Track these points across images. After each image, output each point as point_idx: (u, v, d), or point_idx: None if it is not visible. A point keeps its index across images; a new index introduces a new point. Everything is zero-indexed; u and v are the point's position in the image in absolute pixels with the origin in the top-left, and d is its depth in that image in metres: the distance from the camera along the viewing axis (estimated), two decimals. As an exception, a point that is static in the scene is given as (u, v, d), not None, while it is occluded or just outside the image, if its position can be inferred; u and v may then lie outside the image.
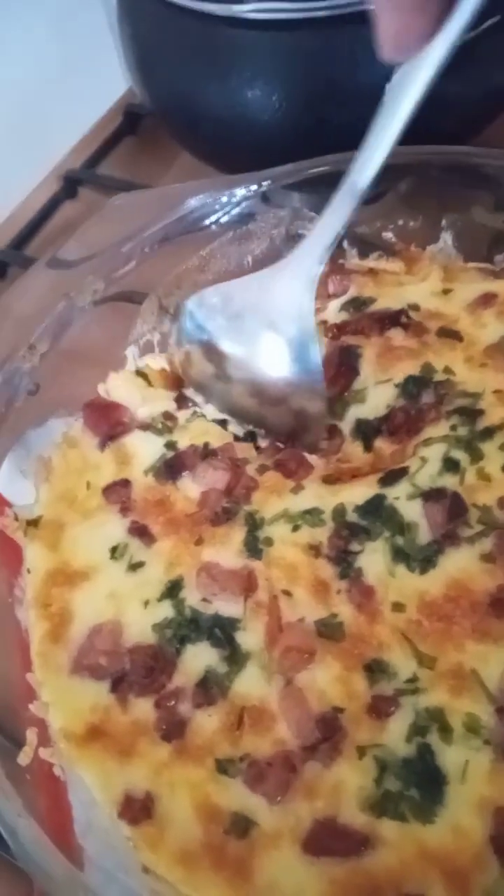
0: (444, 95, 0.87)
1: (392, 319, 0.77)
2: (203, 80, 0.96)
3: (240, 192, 0.80)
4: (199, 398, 0.80)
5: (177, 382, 0.82)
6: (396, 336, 0.77)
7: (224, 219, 0.81)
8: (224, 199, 0.80)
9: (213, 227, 0.81)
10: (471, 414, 0.71)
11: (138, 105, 1.26)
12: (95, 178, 1.23)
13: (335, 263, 0.84)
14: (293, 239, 0.86)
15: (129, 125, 1.29)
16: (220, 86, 0.95)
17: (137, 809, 0.60)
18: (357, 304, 0.81)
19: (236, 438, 0.77)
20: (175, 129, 1.07)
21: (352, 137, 0.89)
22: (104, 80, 1.34)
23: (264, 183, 0.82)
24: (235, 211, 0.82)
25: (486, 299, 0.78)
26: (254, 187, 0.81)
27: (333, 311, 0.82)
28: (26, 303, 0.84)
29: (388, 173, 0.83)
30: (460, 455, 0.69)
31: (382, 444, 0.74)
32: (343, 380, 0.77)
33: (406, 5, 0.56)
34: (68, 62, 1.25)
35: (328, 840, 0.57)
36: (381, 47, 0.59)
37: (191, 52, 0.95)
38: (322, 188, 0.85)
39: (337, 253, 0.86)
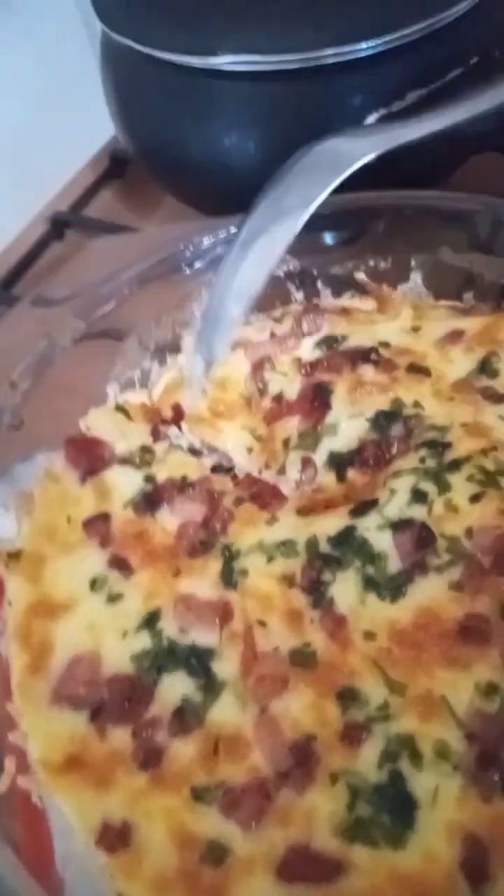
0: (413, 143, 0.93)
1: (363, 356, 0.80)
2: (183, 128, 1.00)
3: (217, 235, 0.83)
4: (174, 431, 0.83)
5: (155, 415, 0.85)
6: (367, 372, 0.80)
7: (200, 263, 0.84)
8: (201, 243, 0.83)
9: (195, 267, 0.84)
10: (439, 447, 0.74)
11: (124, 150, 1.30)
12: (82, 220, 1.26)
13: (310, 303, 0.87)
14: (269, 281, 0.89)
15: (115, 169, 1.33)
16: (199, 133, 0.99)
17: (114, 837, 0.61)
18: (330, 342, 0.84)
19: (213, 470, 0.79)
20: (157, 174, 1.11)
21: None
22: (92, 125, 1.37)
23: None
24: (213, 254, 0.84)
25: (454, 336, 0.81)
26: (230, 231, 0.84)
27: (308, 350, 0.84)
28: (9, 341, 0.86)
29: (364, 216, 0.87)
30: (428, 487, 0.71)
31: (355, 476, 0.76)
32: (317, 414, 0.79)
33: None
34: (56, 107, 1.28)
35: (301, 866, 0.58)
36: None
37: (170, 102, 0.99)
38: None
39: (311, 292, 0.90)
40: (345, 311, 0.85)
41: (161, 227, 0.92)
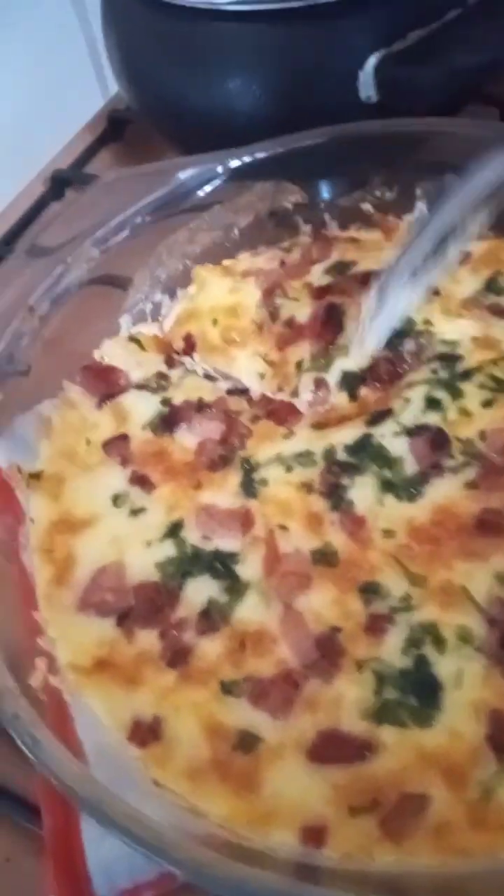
0: (414, 83, 0.95)
1: (374, 278, 0.82)
2: (186, 74, 1.01)
3: (228, 164, 0.85)
4: (187, 359, 0.84)
5: (167, 346, 0.86)
6: (377, 292, 0.81)
7: (212, 191, 0.86)
8: (212, 172, 0.85)
9: (203, 198, 0.85)
10: (450, 359, 0.76)
11: (122, 111, 1.32)
12: (82, 177, 1.27)
13: (318, 233, 0.89)
14: (276, 213, 0.91)
15: (114, 131, 1.34)
16: (202, 78, 1.00)
17: (145, 732, 0.62)
18: (340, 267, 0.85)
19: (228, 392, 0.81)
20: (161, 125, 1.12)
21: (327, 122, 0.95)
22: (89, 87, 1.40)
23: (248, 157, 0.86)
24: (222, 184, 0.86)
25: (461, 258, 0.83)
26: (239, 161, 0.85)
27: (317, 275, 0.86)
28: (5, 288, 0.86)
29: (364, 148, 0.89)
30: (441, 394, 0.74)
31: (367, 393, 0.78)
32: (329, 335, 0.81)
33: None
34: (53, 71, 1.29)
35: (331, 748, 0.60)
36: None
37: (174, 48, 1.01)
38: (300, 163, 0.91)
39: (318, 224, 0.91)
40: (353, 241, 0.87)
41: (167, 160, 0.93)
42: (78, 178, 1.28)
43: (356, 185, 0.89)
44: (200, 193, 0.85)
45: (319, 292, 0.84)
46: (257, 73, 0.97)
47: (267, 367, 0.83)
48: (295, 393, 0.81)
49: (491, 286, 0.81)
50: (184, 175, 0.83)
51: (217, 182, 0.85)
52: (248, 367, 0.84)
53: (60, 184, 1.28)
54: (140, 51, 1.07)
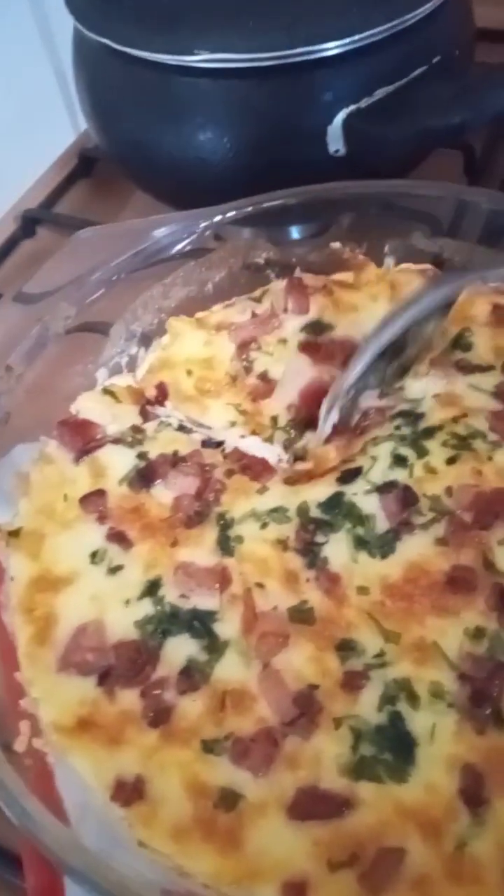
0: (381, 137, 0.98)
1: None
2: (157, 125, 1.03)
3: (200, 224, 0.87)
4: (161, 410, 0.86)
5: (141, 396, 0.88)
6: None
7: (186, 249, 0.88)
8: (185, 231, 0.87)
9: (177, 255, 0.87)
10: (412, 416, 0.79)
11: (92, 149, 1.33)
12: (53, 217, 1.29)
13: (293, 280, 0.91)
14: (249, 267, 0.93)
15: (83, 167, 1.36)
16: (173, 130, 1.02)
17: (129, 792, 0.64)
18: (318, 328, 0.88)
19: (203, 444, 0.83)
20: (132, 171, 1.14)
21: (296, 176, 0.98)
22: (57, 124, 1.41)
23: (219, 217, 0.89)
24: (196, 242, 0.88)
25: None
26: (213, 220, 0.88)
27: (293, 331, 0.88)
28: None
29: (333, 205, 0.92)
30: (407, 451, 0.77)
31: (329, 449, 0.81)
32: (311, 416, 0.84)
33: None
34: (21, 109, 1.31)
35: (311, 805, 0.62)
36: None
37: (145, 100, 1.02)
38: (273, 220, 0.94)
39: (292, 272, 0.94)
40: (327, 292, 0.89)
41: (141, 219, 0.95)
42: (48, 217, 1.29)
43: (326, 241, 0.92)
44: (174, 251, 0.87)
45: (306, 349, 0.85)
46: (228, 126, 1.00)
47: (238, 416, 0.85)
48: (270, 439, 0.83)
49: (458, 342, 0.84)
50: (158, 233, 0.85)
51: (191, 240, 0.87)
52: (221, 416, 0.86)
53: (30, 223, 1.29)
54: (111, 99, 1.08)
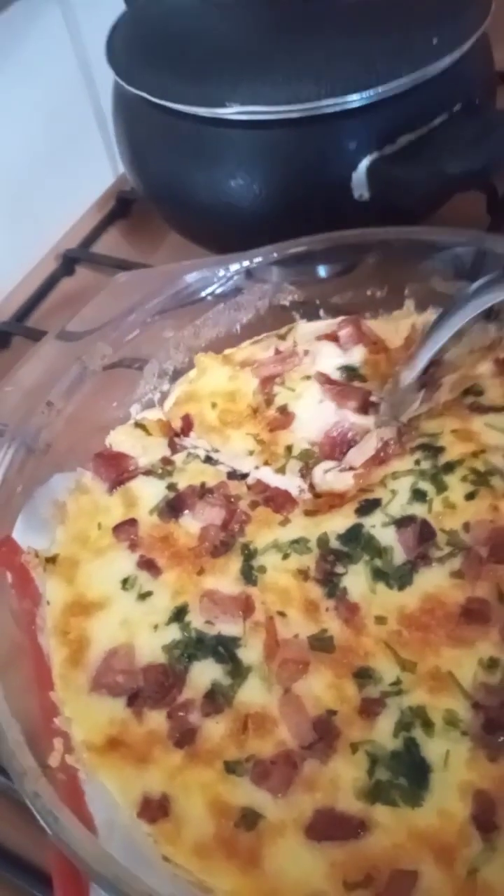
0: (404, 183, 1.02)
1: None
2: (191, 173, 1.08)
3: (231, 268, 0.92)
4: (188, 441, 0.91)
5: (169, 428, 0.93)
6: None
7: (216, 292, 0.93)
8: (216, 275, 0.92)
9: (207, 299, 0.92)
10: (432, 450, 0.82)
11: (129, 191, 1.40)
12: (91, 256, 1.35)
13: (354, 318, 0.95)
14: (276, 308, 0.97)
15: (121, 209, 1.42)
16: (206, 177, 1.07)
17: (155, 809, 0.67)
18: (351, 374, 0.92)
19: (229, 476, 0.87)
20: (166, 214, 1.20)
21: (322, 219, 1.02)
22: (98, 167, 1.48)
23: (247, 262, 0.93)
24: (225, 286, 0.93)
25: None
26: (241, 265, 0.93)
27: (330, 366, 0.92)
28: (37, 372, 0.93)
29: (357, 250, 0.96)
30: (427, 486, 0.79)
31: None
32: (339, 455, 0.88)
33: None
34: (63, 152, 1.38)
35: (328, 826, 0.64)
36: None
37: (179, 148, 1.08)
38: (298, 264, 0.98)
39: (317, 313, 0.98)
40: (376, 347, 0.93)
41: (174, 263, 1.00)
42: (87, 257, 1.35)
43: (351, 282, 0.96)
44: (205, 294, 0.92)
45: (328, 385, 0.89)
46: (257, 173, 1.05)
47: (256, 445, 0.89)
48: (282, 470, 0.87)
49: (470, 390, 0.87)
50: (190, 278, 0.90)
51: (220, 284, 0.92)
52: (241, 445, 0.90)
53: (70, 262, 1.35)
54: (147, 147, 1.14)
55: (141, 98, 1.06)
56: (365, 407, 0.88)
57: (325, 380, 0.91)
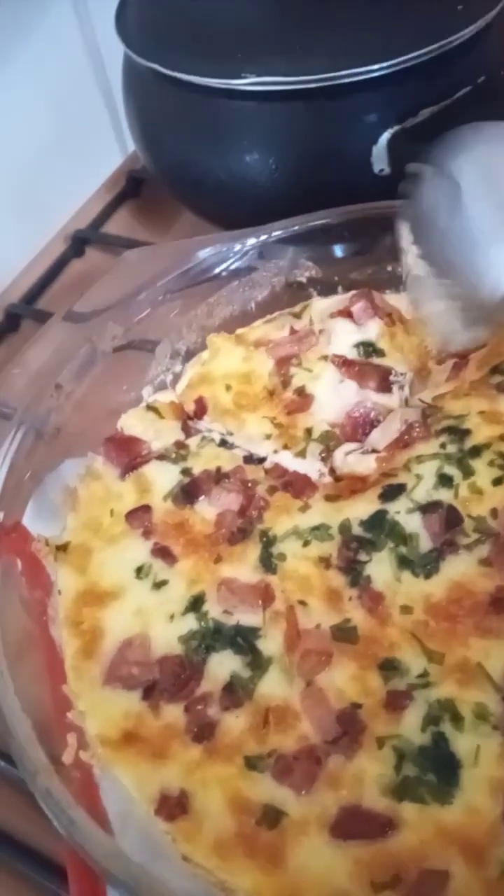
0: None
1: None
2: (205, 148, 1.05)
3: (247, 242, 0.89)
4: (202, 424, 0.88)
5: (182, 411, 0.90)
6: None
7: (230, 268, 0.90)
8: (231, 250, 0.88)
9: (222, 275, 0.89)
10: (458, 433, 0.79)
11: (139, 170, 1.36)
12: (101, 237, 1.32)
13: (366, 291, 0.91)
14: (292, 286, 0.94)
15: (131, 188, 1.39)
16: (220, 152, 1.04)
17: (173, 806, 0.64)
18: (368, 350, 0.88)
19: (245, 461, 0.84)
20: (179, 192, 1.17)
21: (341, 195, 0.99)
22: (107, 146, 1.45)
23: (264, 237, 0.90)
24: (240, 262, 0.90)
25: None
26: (255, 240, 0.89)
27: (347, 344, 0.89)
28: (47, 352, 0.91)
29: (377, 225, 0.92)
30: (453, 471, 0.76)
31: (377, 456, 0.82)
32: (361, 437, 0.85)
33: None
34: (72, 132, 1.34)
35: (354, 824, 0.62)
36: None
37: (192, 122, 1.05)
38: (317, 240, 0.95)
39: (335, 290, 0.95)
40: (391, 319, 0.90)
41: (186, 239, 0.97)
42: (97, 237, 1.32)
43: (368, 261, 0.92)
44: (218, 270, 0.88)
45: (343, 366, 0.86)
46: (273, 148, 1.01)
47: (273, 429, 0.86)
48: (302, 454, 0.84)
49: (497, 369, 0.84)
50: (203, 254, 0.87)
51: (234, 259, 0.89)
52: (257, 429, 0.87)
53: (80, 243, 1.32)
54: (159, 122, 1.11)
55: (153, 71, 1.03)
56: (385, 385, 0.85)
57: (341, 362, 0.88)
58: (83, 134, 1.38)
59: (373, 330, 0.89)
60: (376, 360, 0.87)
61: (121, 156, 1.47)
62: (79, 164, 1.38)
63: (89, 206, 1.39)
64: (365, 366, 0.86)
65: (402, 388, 0.86)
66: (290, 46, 0.95)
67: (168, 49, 1.02)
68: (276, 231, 0.91)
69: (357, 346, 0.88)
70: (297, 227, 0.90)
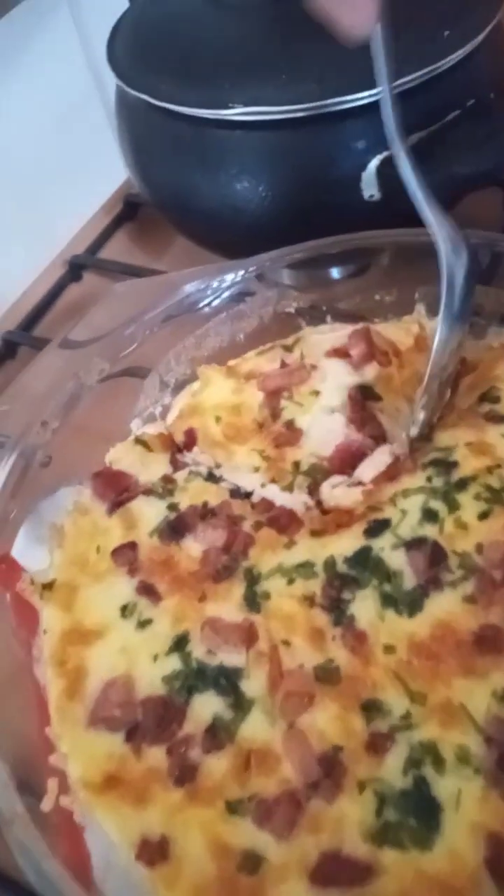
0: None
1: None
2: (195, 175, 1.05)
3: (231, 276, 0.89)
4: (190, 456, 0.88)
5: (171, 443, 0.89)
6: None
7: (216, 302, 0.90)
8: (216, 284, 0.88)
9: (207, 309, 0.89)
10: (445, 465, 0.78)
11: (136, 194, 1.36)
12: (98, 262, 1.32)
13: (364, 330, 0.89)
14: (280, 316, 0.94)
15: (128, 212, 1.39)
16: (210, 180, 1.04)
17: (154, 851, 0.64)
18: (367, 394, 0.86)
19: (231, 495, 0.84)
20: (171, 218, 1.17)
21: (332, 221, 0.99)
22: (104, 170, 1.45)
23: (252, 268, 0.90)
24: (227, 294, 0.90)
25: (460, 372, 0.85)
26: (243, 272, 0.89)
27: (342, 385, 0.87)
28: (40, 382, 0.91)
29: (364, 254, 0.92)
30: (438, 506, 0.75)
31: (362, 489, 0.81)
32: (348, 470, 0.84)
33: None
34: (69, 155, 1.35)
35: (334, 871, 0.61)
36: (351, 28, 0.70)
37: (183, 151, 1.05)
38: (303, 270, 0.94)
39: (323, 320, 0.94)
40: (387, 359, 0.88)
41: (179, 271, 0.97)
42: (93, 263, 1.33)
43: (357, 289, 0.92)
44: (205, 303, 0.88)
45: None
46: (263, 175, 1.01)
47: (262, 462, 0.86)
48: (289, 488, 0.83)
49: (486, 396, 0.83)
50: (189, 288, 0.86)
51: (221, 292, 0.89)
52: (246, 461, 0.86)
53: (77, 268, 1.33)
54: (150, 150, 1.11)
55: (142, 101, 1.03)
56: (378, 440, 0.83)
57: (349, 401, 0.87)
58: (82, 157, 1.38)
59: (370, 373, 0.88)
60: (372, 405, 0.86)
61: (119, 178, 1.47)
62: (77, 187, 1.38)
63: (87, 230, 1.39)
64: (367, 415, 0.84)
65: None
66: (277, 74, 0.95)
67: (157, 79, 1.02)
68: (264, 263, 0.90)
69: (353, 387, 0.87)
70: (283, 260, 0.90)
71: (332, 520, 0.80)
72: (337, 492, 0.82)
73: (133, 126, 1.12)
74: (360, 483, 0.82)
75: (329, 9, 0.68)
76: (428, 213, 0.77)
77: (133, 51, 1.08)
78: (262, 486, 0.84)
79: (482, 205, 1.12)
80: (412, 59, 0.94)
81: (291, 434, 0.86)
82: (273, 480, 0.84)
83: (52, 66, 1.30)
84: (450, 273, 0.78)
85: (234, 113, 0.96)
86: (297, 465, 0.85)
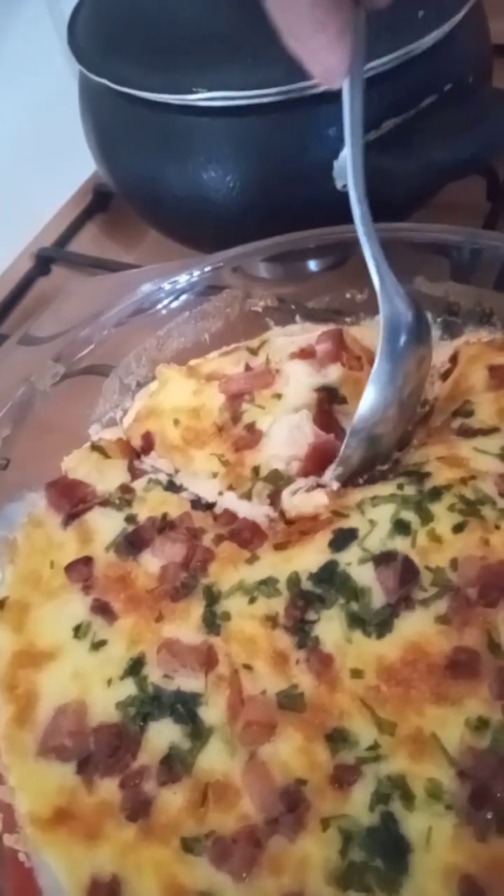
0: (389, 170, 0.93)
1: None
2: (162, 165, 1.00)
3: (194, 274, 0.83)
4: (148, 462, 0.83)
5: (129, 449, 0.85)
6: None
7: (175, 303, 0.85)
8: (176, 282, 0.83)
9: (169, 307, 0.84)
10: (418, 475, 0.73)
11: (106, 184, 1.31)
12: (67, 255, 1.27)
13: (336, 332, 0.85)
14: (247, 315, 0.89)
15: (99, 203, 1.34)
16: (177, 169, 0.99)
17: (104, 894, 0.60)
18: (332, 397, 0.82)
19: (193, 506, 0.79)
20: (139, 209, 1.12)
21: (304, 212, 0.94)
22: (74, 160, 1.39)
23: (214, 265, 0.85)
24: (188, 293, 0.84)
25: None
26: (204, 270, 0.84)
27: (305, 388, 0.82)
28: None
29: (338, 249, 0.87)
30: (410, 517, 0.70)
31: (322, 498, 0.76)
32: (317, 472, 0.79)
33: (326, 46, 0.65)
34: (39, 145, 1.30)
35: (295, 917, 0.57)
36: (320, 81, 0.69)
37: (149, 139, 1.00)
38: (279, 263, 0.89)
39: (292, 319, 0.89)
40: (357, 364, 0.84)
41: (139, 268, 0.92)
42: (62, 256, 1.27)
43: (326, 288, 0.87)
44: (164, 303, 0.83)
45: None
46: (231, 164, 0.96)
47: (221, 467, 0.81)
48: (248, 496, 0.79)
49: (459, 411, 0.78)
50: (147, 287, 0.81)
51: (183, 291, 0.84)
52: (204, 466, 0.82)
53: (45, 261, 1.28)
54: (115, 138, 1.06)
55: (104, 86, 0.98)
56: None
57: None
58: (51, 145, 1.32)
59: (333, 374, 0.83)
60: (337, 408, 0.81)
61: (90, 168, 1.41)
62: (46, 178, 1.33)
63: (56, 222, 1.34)
64: (332, 419, 0.80)
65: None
66: (242, 58, 0.90)
67: (119, 64, 0.97)
68: (228, 259, 0.85)
69: (318, 389, 0.82)
70: (247, 256, 0.85)
71: (297, 528, 0.76)
72: (296, 499, 0.77)
73: (97, 113, 1.07)
74: (319, 486, 0.77)
75: (299, 56, 0.66)
76: (374, 272, 0.71)
77: (95, 34, 1.03)
78: (220, 493, 0.79)
79: (464, 193, 1.07)
80: (384, 42, 0.88)
81: (251, 437, 0.81)
82: (231, 487, 0.79)
83: (23, 55, 1.25)
84: (390, 332, 0.72)
85: (199, 98, 0.91)
86: (256, 470, 0.80)
